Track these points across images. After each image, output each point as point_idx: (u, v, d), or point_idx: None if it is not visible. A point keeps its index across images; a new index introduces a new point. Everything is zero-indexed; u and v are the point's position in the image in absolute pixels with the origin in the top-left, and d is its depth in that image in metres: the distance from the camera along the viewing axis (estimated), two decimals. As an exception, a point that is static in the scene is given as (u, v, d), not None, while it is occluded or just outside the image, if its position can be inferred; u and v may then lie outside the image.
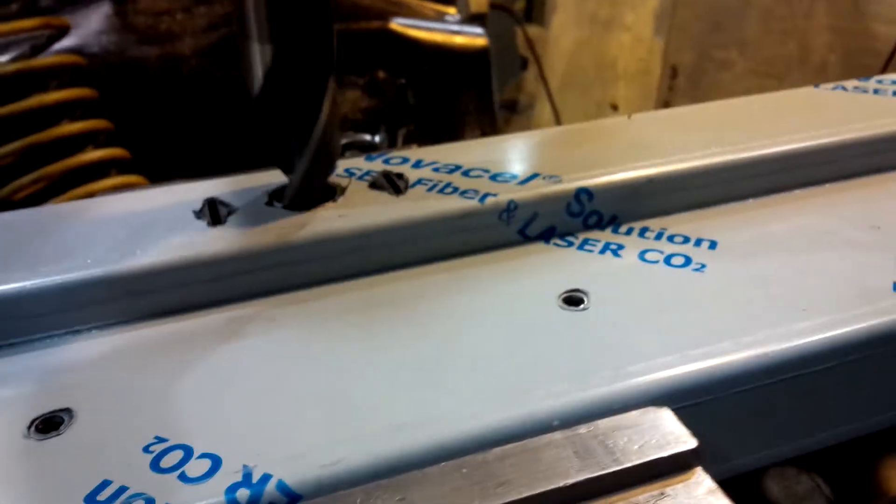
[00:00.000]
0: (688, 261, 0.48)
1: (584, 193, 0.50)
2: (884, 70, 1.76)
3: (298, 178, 0.47)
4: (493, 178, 0.51)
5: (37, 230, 0.46)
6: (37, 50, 0.96)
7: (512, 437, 0.36)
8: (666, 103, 2.78)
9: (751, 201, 0.54)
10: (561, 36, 3.16)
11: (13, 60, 0.93)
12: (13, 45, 0.96)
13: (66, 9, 1.03)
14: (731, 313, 0.43)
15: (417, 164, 0.53)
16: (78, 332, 0.42)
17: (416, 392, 0.38)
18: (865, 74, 0.66)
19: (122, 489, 0.33)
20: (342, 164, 0.54)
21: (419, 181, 0.51)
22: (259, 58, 0.44)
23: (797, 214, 0.52)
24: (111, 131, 0.97)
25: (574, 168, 0.52)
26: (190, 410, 0.38)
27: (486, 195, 0.49)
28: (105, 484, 0.34)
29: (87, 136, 0.95)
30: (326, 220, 0.47)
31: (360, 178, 0.52)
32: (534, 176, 0.51)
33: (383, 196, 0.50)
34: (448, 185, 0.51)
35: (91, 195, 0.94)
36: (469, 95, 1.14)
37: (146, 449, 0.35)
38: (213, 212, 0.48)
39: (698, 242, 0.50)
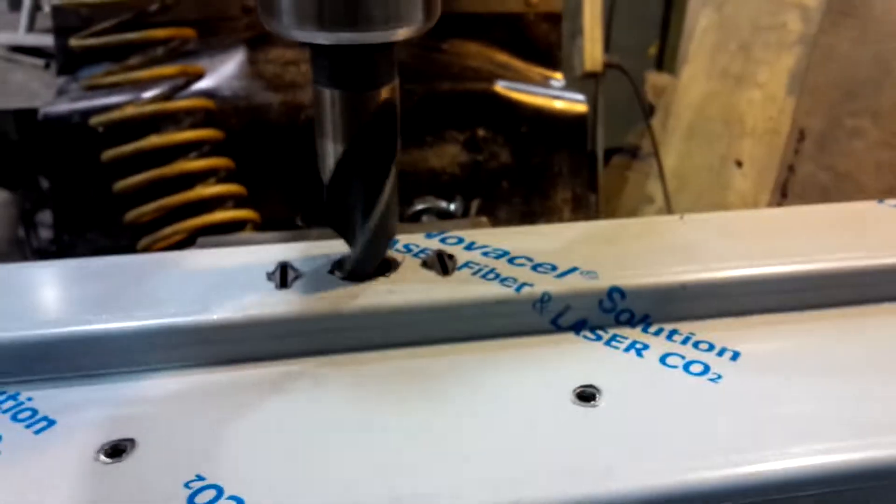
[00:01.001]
0: (706, 369, 0.51)
1: (616, 292, 0.54)
2: None
3: (357, 253, 0.53)
4: (535, 268, 0.56)
5: (134, 276, 0.54)
6: (176, 90, 1.08)
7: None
8: (790, 167, 2.71)
9: (786, 315, 0.56)
10: (691, 86, 3.14)
11: (154, 99, 1.05)
12: (157, 84, 1.09)
13: (206, 53, 1.15)
14: (732, 429, 0.46)
15: (469, 247, 0.59)
16: (154, 370, 0.50)
17: (424, 466, 0.43)
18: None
19: (160, 518, 0.40)
20: (408, 238, 0.60)
21: (467, 264, 0.56)
22: (332, 153, 0.51)
23: (832, 334, 0.54)
24: (231, 170, 1.08)
25: (612, 265, 0.56)
26: (230, 453, 0.44)
27: (522, 285, 0.54)
28: (148, 511, 0.41)
29: (209, 172, 1.06)
30: (376, 294, 0.53)
31: (416, 254, 0.58)
32: (573, 270, 0.55)
33: (431, 275, 0.55)
34: (492, 270, 0.55)
35: (208, 225, 1.05)
36: (564, 157, 1.18)
37: (186, 484, 0.42)
38: (283, 275, 0.54)
39: (722, 352, 0.52)
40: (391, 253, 0.57)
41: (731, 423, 0.46)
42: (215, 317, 0.50)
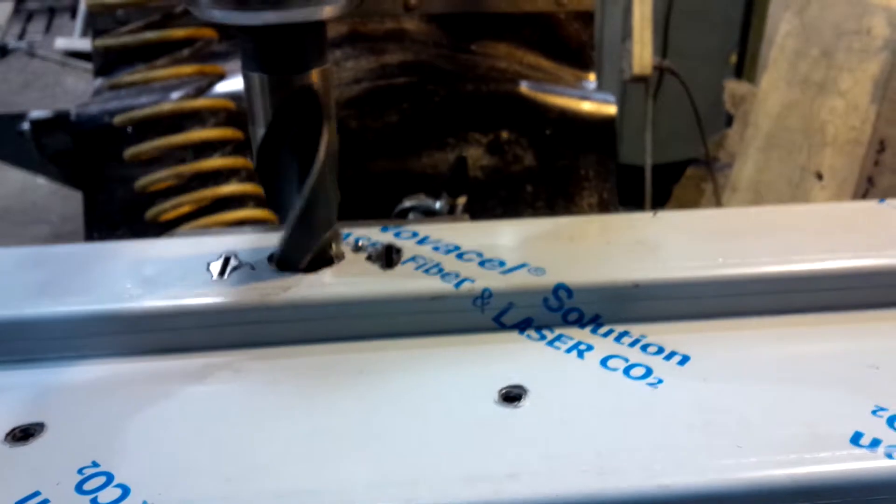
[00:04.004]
0: (648, 373, 0.47)
1: (563, 289, 0.51)
2: None
3: (282, 242, 0.52)
4: (482, 263, 0.53)
5: (79, 264, 0.54)
6: (200, 91, 1.10)
7: (385, 522, 0.38)
8: (870, 178, 2.57)
9: (748, 320, 0.51)
10: (770, 94, 3.02)
11: (179, 99, 1.07)
12: (183, 85, 1.11)
13: (231, 55, 1.17)
14: (657, 437, 0.42)
15: (423, 241, 0.56)
16: (79, 358, 0.50)
17: (317, 463, 0.42)
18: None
19: (45, 502, 0.40)
20: (362, 231, 0.58)
21: (413, 258, 0.54)
22: (258, 139, 0.50)
23: (792, 341, 0.49)
24: (251, 170, 1.09)
25: (564, 262, 0.53)
26: (129, 442, 0.43)
27: (463, 280, 0.51)
28: (34, 495, 0.40)
29: (229, 171, 1.07)
30: (309, 287, 0.51)
31: (366, 248, 0.56)
32: (521, 266, 0.53)
33: (373, 269, 0.53)
34: (437, 265, 0.53)
35: (226, 224, 1.06)
36: (590, 161, 1.15)
37: (80, 470, 0.42)
38: (224, 266, 0.54)
39: (670, 356, 0.49)
40: (341, 247, 0.56)
41: (659, 430, 0.43)
42: (140, 305, 0.50)
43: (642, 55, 1.58)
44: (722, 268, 0.51)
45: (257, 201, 1.11)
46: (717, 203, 2.06)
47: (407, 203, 0.81)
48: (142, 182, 1.04)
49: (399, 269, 0.53)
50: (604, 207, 1.15)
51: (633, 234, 0.56)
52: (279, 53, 0.48)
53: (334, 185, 0.53)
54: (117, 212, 1.14)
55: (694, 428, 0.43)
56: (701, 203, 3.19)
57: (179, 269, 0.54)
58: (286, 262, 0.52)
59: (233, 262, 0.54)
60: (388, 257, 0.54)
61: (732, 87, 3.25)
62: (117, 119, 1.04)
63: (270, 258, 0.54)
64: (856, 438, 0.41)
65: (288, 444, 0.43)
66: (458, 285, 0.51)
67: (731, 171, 3.25)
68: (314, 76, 0.49)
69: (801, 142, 2.91)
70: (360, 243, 0.56)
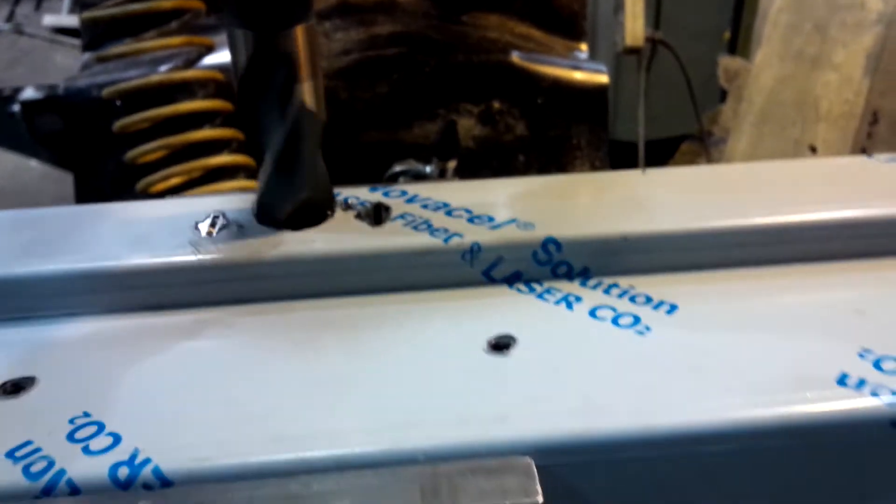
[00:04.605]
0: (635, 321, 0.47)
1: (552, 243, 0.51)
2: None
3: (259, 194, 0.52)
4: (471, 219, 0.53)
5: (68, 226, 0.54)
6: (189, 63, 1.09)
7: (374, 464, 0.39)
8: (863, 150, 2.57)
9: (735, 271, 0.51)
10: (763, 69, 3.01)
11: (168, 71, 1.07)
12: (172, 57, 1.10)
13: (220, 27, 1.16)
14: (647, 379, 0.42)
15: (412, 200, 0.56)
16: (70, 315, 0.50)
17: (311, 410, 0.42)
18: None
19: (37, 450, 0.40)
20: (351, 191, 0.58)
21: (401, 216, 0.54)
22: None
23: (780, 290, 0.50)
24: (242, 141, 1.09)
25: (553, 217, 0.53)
26: (120, 394, 0.44)
27: (452, 235, 0.51)
28: (26, 444, 0.40)
29: (219, 142, 1.07)
30: (298, 243, 0.51)
31: (355, 206, 0.56)
32: (510, 221, 0.53)
33: (362, 226, 0.53)
34: (425, 222, 0.53)
35: (217, 194, 1.06)
36: (582, 130, 1.14)
37: (71, 420, 0.42)
38: (212, 225, 0.54)
39: (658, 305, 0.49)
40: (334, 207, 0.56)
41: (647, 374, 0.43)
42: (130, 262, 0.50)
43: (634, 27, 1.57)
44: (709, 220, 0.52)
45: (248, 172, 1.11)
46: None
47: (397, 168, 0.81)
48: (132, 153, 1.04)
49: (388, 225, 0.53)
50: (596, 176, 1.15)
51: (622, 190, 0.56)
52: (261, 10, 0.47)
53: (317, 142, 0.52)
54: (107, 186, 1.14)
55: (682, 372, 0.43)
56: (695, 180, 3.19)
57: (167, 228, 0.54)
58: (264, 212, 0.53)
59: (221, 221, 0.54)
60: (377, 215, 0.54)
61: (726, 62, 3.24)
62: (106, 91, 1.03)
63: (258, 217, 0.54)
64: (842, 379, 0.41)
65: (280, 394, 0.43)
66: (446, 240, 0.51)
67: (726, 146, 3.24)
68: (300, 31, 0.49)
69: (794, 116, 2.91)
70: (349, 202, 0.56)
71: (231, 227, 0.53)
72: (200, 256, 0.50)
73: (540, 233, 0.51)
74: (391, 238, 0.52)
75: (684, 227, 0.51)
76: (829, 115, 2.82)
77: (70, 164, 1.19)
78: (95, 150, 1.12)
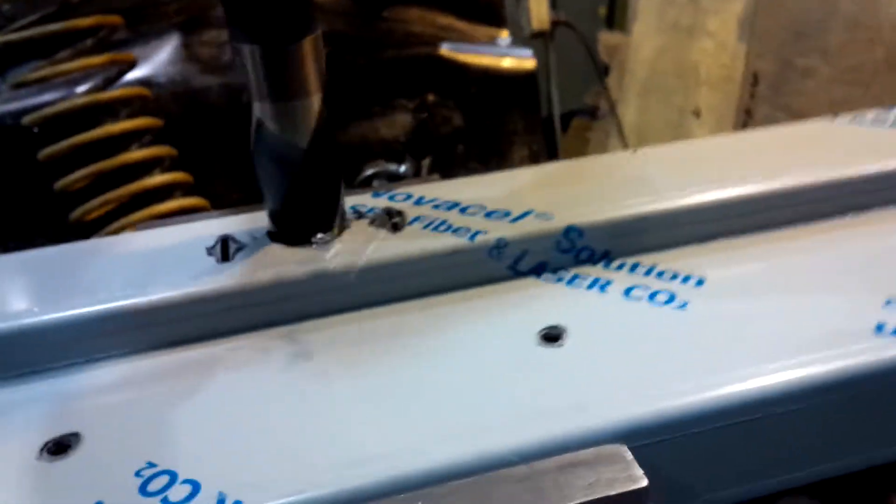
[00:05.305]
0: (671, 298, 0.49)
1: (573, 231, 0.52)
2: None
3: (274, 210, 0.51)
4: (488, 215, 0.53)
5: (66, 266, 0.51)
6: (109, 81, 1.03)
7: (469, 473, 0.39)
8: (747, 111, 2.72)
9: (747, 237, 0.54)
10: (642, 42, 3.12)
11: (87, 92, 1.01)
12: (89, 77, 1.04)
13: (138, 41, 1.11)
14: (702, 353, 0.44)
15: (419, 202, 0.56)
16: (96, 360, 0.47)
17: (382, 426, 0.41)
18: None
19: (111, 509, 0.38)
20: (354, 200, 0.57)
21: (417, 218, 0.54)
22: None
23: (794, 252, 0.53)
24: (175, 157, 1.04)
25: (567, 205, 0.54)
26: (180, 437, 0.42)
27: (476, 233, 0.51)
28: (97, 504, 0.38)
29: (152, 161, 1.02)
30: (327, 258, 0.50)
31: (364, 215, 0.55)
32: (527, 213, 0.53)
33: (381, 233, 0.53)
34: (443, 222, 0.53)
35: (156, 216, 1.01)
36: (517, 116, 1.16)
37: (137, 473, 0.39)
38: (224, 249, 0.52)
39: (686, 279, 0.51)
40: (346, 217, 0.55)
41: (701, 347, 0.45)
42: (153, 297, 0.47)
43: (539, 11, 1.61)
44: (717, 190, 0.54)
45: (184, 189, 1.06)
46: (624, 146, 2.13)
47: (369, 170, 0.80)
48: (63, 182, 0.98)
49: (408, 229, 0.53)
50: (534, 159, 1.17)
51: (622, 171, 0.58)
52: (276, 21, 0.46)
53: (332, 152, 0.51)
54: (34, 218, 1.07)
55: (731, 341, 0.45)
56: (587, 151, 3.29)
57: (177, 258, 0.51)
58: (281, 229, 0.51)
59: (233, 244, 0.52)
60: (392, 220, 0.54)
61: (606, 37, 3.34)
62: (27, 119, 0.97)
63: (272, 235, 0.52)
64: (879, 328, 0.44)
65: (344, 415, 0.42)
66: (472, 238, 0.51)
67: (615, 118, 3.34)
68: (307, 44, 0.48)
69: (676, 84, 3.03)
70: (358, 210, 0.55)
71: (247, 249, 0.51)
72: (230, 282, 0.48)
73: (560, 222, 0.52)
74: (418, 242, 0.51)
75: (697, 200, 0.53)
76: (709, 80, 2.96)
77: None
78: (16, 181, 1.05)
